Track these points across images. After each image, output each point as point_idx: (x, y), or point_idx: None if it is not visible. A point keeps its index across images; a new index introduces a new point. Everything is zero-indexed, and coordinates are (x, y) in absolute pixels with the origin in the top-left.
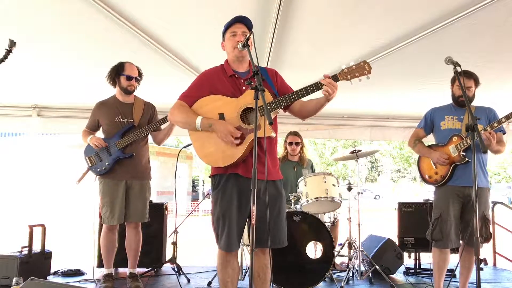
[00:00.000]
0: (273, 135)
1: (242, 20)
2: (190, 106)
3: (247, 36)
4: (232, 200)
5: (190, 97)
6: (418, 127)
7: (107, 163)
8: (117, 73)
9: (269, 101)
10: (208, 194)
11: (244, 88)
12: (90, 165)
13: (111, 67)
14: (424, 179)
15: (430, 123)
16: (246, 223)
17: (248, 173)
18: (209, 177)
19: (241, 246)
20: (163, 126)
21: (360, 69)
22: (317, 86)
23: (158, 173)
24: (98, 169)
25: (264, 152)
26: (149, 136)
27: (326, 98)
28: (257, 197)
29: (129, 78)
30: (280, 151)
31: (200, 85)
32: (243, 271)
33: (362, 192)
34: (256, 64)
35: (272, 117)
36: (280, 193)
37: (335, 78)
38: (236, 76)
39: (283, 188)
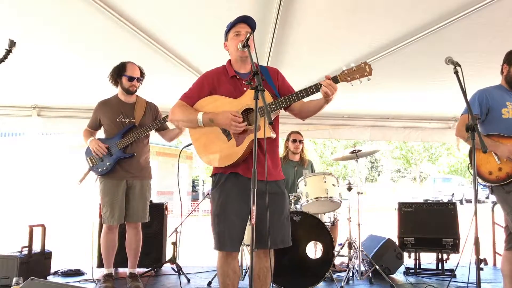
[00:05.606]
0: (273, 135)
1: (245, 20)
2: (191, 106)
3: (247, 36)
4: (231, 199)
5: (190, 97)
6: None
7: (108, 163)
8: (119, 73)
9: (269, 102)
10: (208, 194)
11: (245, 89)
12: (91, 165)
13: (113, 67)
14: (481, 176)
15: (486, 109)
16: (247, 225)
17: (248, 173)
18: (210, 176)
19: (240, 246)
20: (172, 126)
21: (360, 71)
22: (316, 88)
23: (158, 173)
24: (99, 169)
25: (264, 153)
26: (150, 137)
27: (325, 99)
28: (258, 198)
29: (130, 78)
30: (280, 151)
31: (201, 86)
32: (243, 271)
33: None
34: (256, 63)
35: (273, 117)
36: (281, 193)
37: (335, 79)
38: (238, 77)
39: (285, 188)
